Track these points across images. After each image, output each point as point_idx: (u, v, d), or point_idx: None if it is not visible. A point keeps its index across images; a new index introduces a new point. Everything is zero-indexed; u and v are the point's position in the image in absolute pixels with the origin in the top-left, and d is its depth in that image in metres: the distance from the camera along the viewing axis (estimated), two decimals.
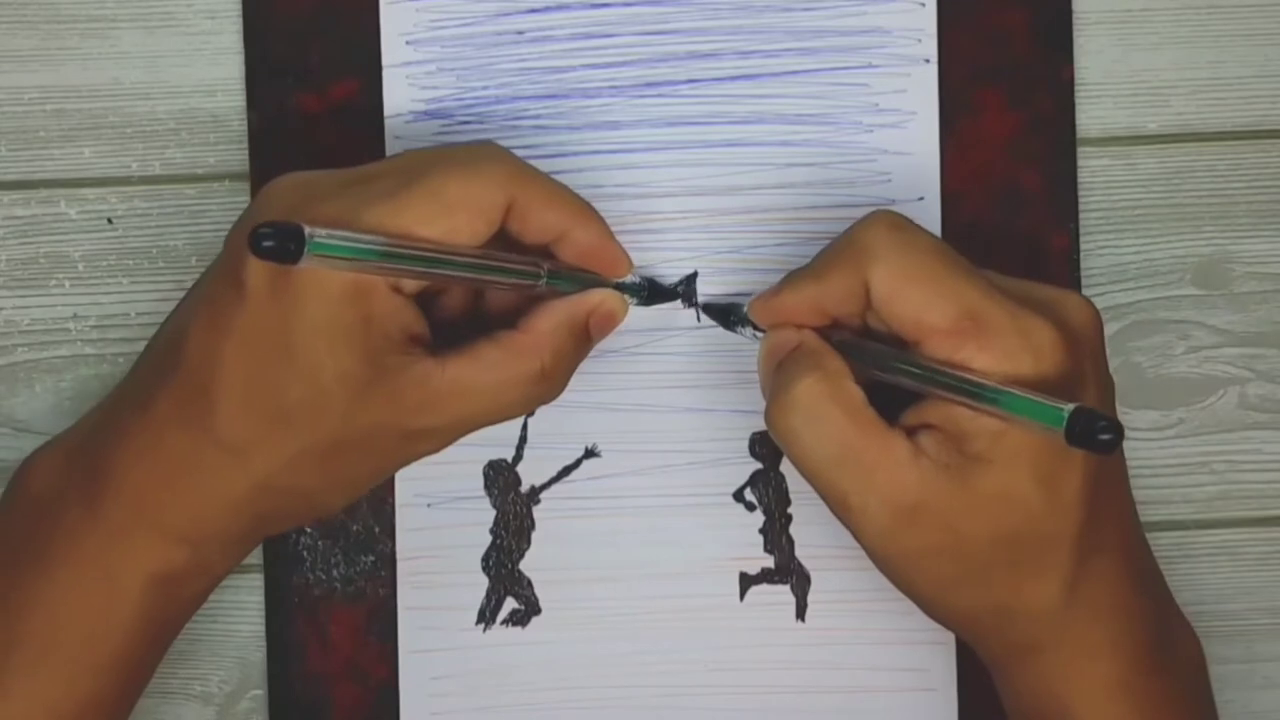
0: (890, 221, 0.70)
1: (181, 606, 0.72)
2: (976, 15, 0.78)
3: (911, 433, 0.69)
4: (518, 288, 0.71)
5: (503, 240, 0.70)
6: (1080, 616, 0.70)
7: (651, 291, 0.76)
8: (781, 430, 0.70)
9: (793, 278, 0.72)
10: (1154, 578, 0.73)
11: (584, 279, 0.72)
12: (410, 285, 0.69)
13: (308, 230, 0.64)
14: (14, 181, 0.78)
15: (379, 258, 0.66)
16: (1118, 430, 0.64)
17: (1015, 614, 0.70)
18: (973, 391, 0.67)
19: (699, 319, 0.78)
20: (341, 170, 0.70)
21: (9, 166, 0.78)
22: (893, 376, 0.69)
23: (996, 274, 0.70)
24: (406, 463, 0.72)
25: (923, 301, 0.68)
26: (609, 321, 0.73)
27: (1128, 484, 0.72)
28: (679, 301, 0.78)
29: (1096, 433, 0.64)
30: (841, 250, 0.70)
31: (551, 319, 0.71)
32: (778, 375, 0.71)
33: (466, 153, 0.70)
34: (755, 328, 0.73)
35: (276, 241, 0.63)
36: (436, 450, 0.71)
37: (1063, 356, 0.68)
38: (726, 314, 0.77)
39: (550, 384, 0.71)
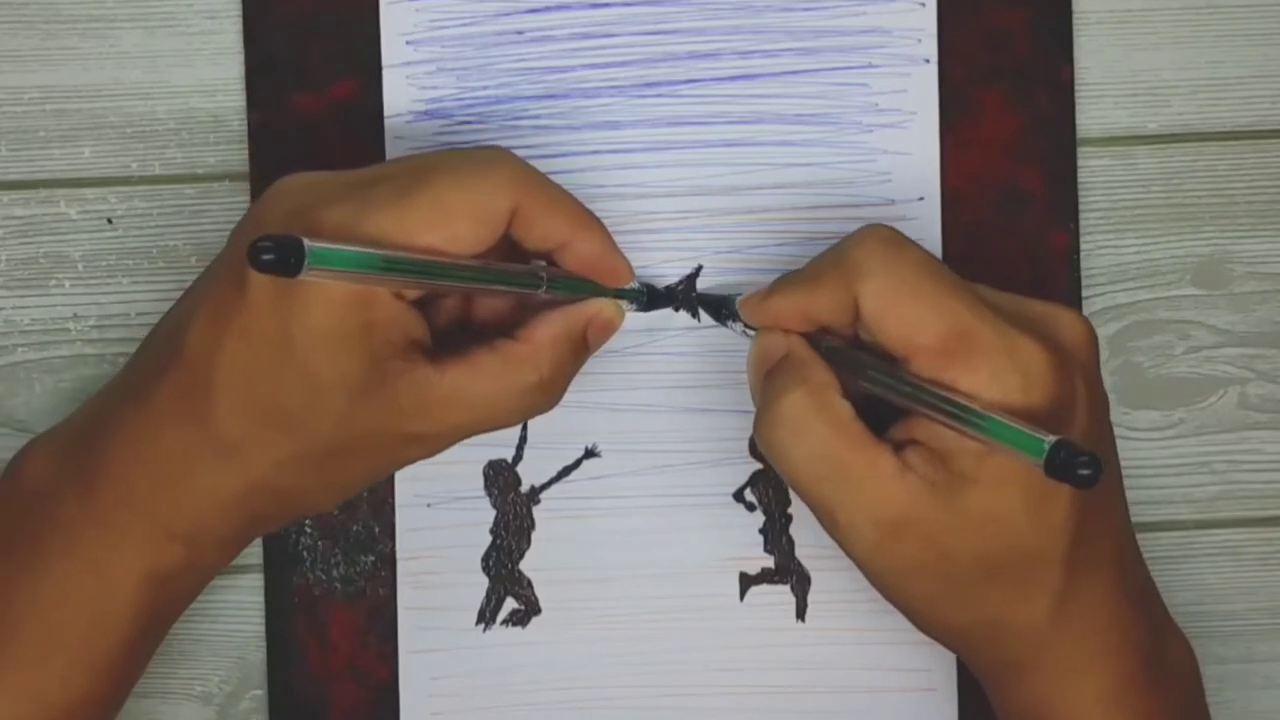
0: (883, 237, 0.69)
1: (174, 603, 0.72)
2: (976, 15, 0.78)
3: (899, 447, 0.68)
4: (518, 296, 0.71)
5: (506, 244, 0.70)
6: (1071, 632, 0.69)
7: (650, 297, 0.76)
8: (770, 444, 0.69)
9: (784, 283, 0.71)
10: (1146, 589, 0.73)
11: (584, 287, 0.72)
12: (412, 291, 0.68)
13: (307, 244, 0.64)
14: (14, 181, 0.78)
15: (379, 270, 0.66)
16: (1097, 466, 0.63)
17: (1005, 630, 0.70)
18: (956, 414, 0.66)
19: (699, 318, 0.78)
20: (347, 172, 0.69)
21: (9, 166, 0.78)
22: (880, 390, 0.68)
23: (990, 289, 0.70)
24: (400, 467, 0.72)
25: (912, 320, 0.68)
26: (606, 330, 0.72)
27: (1121, 497, 0.72)
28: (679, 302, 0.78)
29: (1076, 467, 0.63)
30: (833, 264, 0.69)
31: (550, 329, 0.70)
32: (766, 387, 0.70)
33: (472, 158, 0.70)
34: (746, 324, 0.73)
35: (276, 255, 0.63)
36: (430, 456, 0.71)
37: (1052, 378, 0.67)
38: (719, 307, 0.77)
39: (548, 394, 0.71)
